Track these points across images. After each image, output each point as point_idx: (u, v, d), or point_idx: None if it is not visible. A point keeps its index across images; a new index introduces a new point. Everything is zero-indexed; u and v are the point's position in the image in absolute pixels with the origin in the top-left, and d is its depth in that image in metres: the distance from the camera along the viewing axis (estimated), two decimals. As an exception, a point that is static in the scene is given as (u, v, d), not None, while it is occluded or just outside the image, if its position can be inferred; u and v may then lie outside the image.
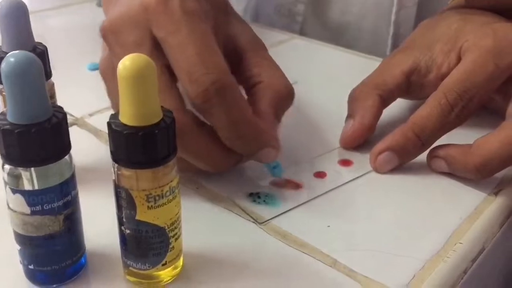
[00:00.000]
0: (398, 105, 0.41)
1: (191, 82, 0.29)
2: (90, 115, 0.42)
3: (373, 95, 0.38)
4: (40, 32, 0.59)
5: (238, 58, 0.34)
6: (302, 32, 0.63)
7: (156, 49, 0.30)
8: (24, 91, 0.22)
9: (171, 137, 0.24)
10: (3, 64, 0.22)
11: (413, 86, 0.39)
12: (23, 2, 0.30)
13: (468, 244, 0.30)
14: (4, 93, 0.31)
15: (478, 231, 0.31)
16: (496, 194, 0.34)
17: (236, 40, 0.34)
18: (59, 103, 0.42)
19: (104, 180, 0.33)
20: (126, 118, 0.23)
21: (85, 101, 0.44)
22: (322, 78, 0.50)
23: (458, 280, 0.29)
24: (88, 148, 0.38)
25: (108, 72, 0.32)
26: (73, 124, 0.41)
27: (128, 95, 0.22)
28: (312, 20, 0.63)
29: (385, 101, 0.39)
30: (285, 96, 0.34)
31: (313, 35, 0.61)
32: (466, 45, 0.37)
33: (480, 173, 0.33)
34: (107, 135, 0.40)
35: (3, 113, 0.23)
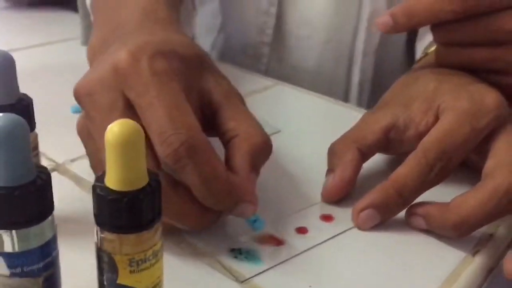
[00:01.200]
0: (377, 159, 0.42)
1: (161, 143, 0.29)
2: (72, 160, 0.42)
3: (353, 149, 0.39)
4: (24, 70, 0.59)
5: (214, 111, 0.34)
6: (267, 73, 0.65)
7: (129, 110, 0.30)
8: (8, 154, 0.22)
9: (156, 201, 0.24)
10: (-11, 127, 0.22)
11: (392, 142, 0.40)
12: (9, 55, 0.30)
13: (447, 308, 0.30)
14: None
15: (457, 294, 0.31)
16: (474, 254, 0.35)
17: (210, 94, 0.34)
18: (39, 148, 0.41)
19: (85, 232, 0.33)
20: (112, 182, 0.23)
21: (67, 145, 0.44)
22: (306, 126, 0.51)
23: None
24: (69, 196, 0.37)
25: (84, 133, 0.33)
26: (53, 170, 0.41)
27: (115, 160, 0.22)
28: (275, 63, 0.65)
29: (364, 156, 0.39)
30: (262, 149, 0.34)
31: (276, 77, 0.63)
32: (443, 106, 0.38)
33: (458, 231, 0.34)
34: (89, 183, 0.40)
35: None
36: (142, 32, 0.36)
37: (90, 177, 0.40)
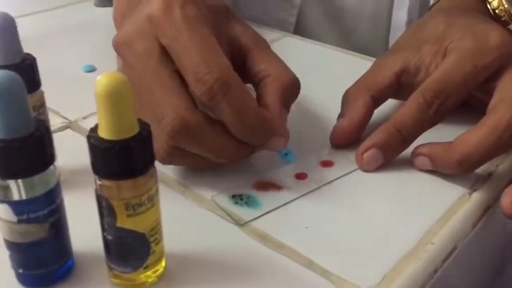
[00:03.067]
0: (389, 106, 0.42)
1: (196, 82, 0.31)
2: (84, 118, 0.44)
3: (365, 96, 0.39)
4: (36, 33, 0.60)
5: (243, 56, 0.36)
6: (298, 19, 0.64)
7: (165, 56, 0.33)
8: (6, 108, 0.24)
9: (148, 149, 0.25)
10: (-13, 84, 0.23)
11: (403, 86, 0.40)
12: (10, 15, 0.31)
13: (440, 244, 0.31)
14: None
15: (451, 231, 0.32)
16: (471, 193, 0.35)
17: (239, 40, 0.36)
18: (53, 106, 0.43)
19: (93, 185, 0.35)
20: (104, 132, 0.24)
21: (80, 103, 0.45)
22: (313, 76, 0.51)
23: (428, 280, 0.30)
24: (80, 151, 0.39)
25: None
26: (66, 127, 0.43)
27: (105, 111, 0.24)
28: (310, 5, 0.64)
29: (376, 102, 0.40)
30: (292, 87, 0.36)
31: (310, 20, 0.62)
32: (450, 47, 0.38)
33: (461, 168, 0.35)
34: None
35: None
36: None
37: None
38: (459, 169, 0.35)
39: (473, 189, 0.36)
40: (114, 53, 0.63)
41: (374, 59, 0.53)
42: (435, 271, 0.30)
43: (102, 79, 0.24)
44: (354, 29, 0.61)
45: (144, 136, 0.25)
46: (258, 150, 0.35)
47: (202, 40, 0.32)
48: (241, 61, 0.36)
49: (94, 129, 0.25)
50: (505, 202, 0.33)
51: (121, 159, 0.24)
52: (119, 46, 0.34)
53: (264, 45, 0.37)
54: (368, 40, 0.62)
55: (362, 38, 0.62)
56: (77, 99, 0.46)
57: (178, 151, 0.33)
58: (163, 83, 0.32)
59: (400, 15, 0.60)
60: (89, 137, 0.25)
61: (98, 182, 0.26)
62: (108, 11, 0.67)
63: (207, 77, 0.31)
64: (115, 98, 0.24)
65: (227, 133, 0.33)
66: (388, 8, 0.61)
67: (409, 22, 0.60)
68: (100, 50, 0.58)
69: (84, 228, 0.30)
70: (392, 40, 0.62)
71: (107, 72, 0.24)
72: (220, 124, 0.33)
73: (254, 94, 0.36)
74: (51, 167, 0.26)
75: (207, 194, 0.35)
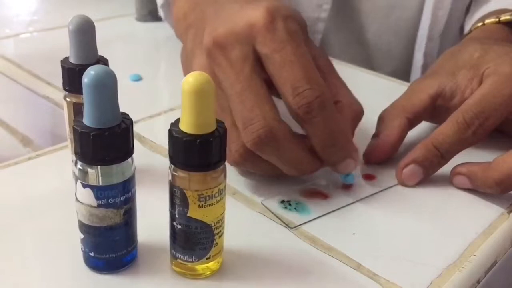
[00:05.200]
0: (422, 128, 0.44)
1: (295, 95, 0.33)
2: (135, 122, 0.46)
3: (401, 117, 0.41)
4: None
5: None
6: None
7: (258, 64, 0.34)
8: (101, 100, 0.26)
9: (223, 145, 0.27)
10: (85, 75, 0.25)
11: (438, 109, 0.42)
12: (90, 19, 0.33)
13: (482, 257, 0.33)
14: (68, 100, 0.35)
15: (492, 246, 0.34)
16: (509, 212, 0.37)
17: (317, 60, 0.37)
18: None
19: (148, 180, 0.37)
20: (186, 126, 0.26)
21: (129, 110, 0.47)
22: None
23: (472, 289, 0.31)
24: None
25: None
26: (119, 130, 0.45)
27: (190, 107, 0.26)
28: (330, 37, 0.66)
29: (411, 123, 0.42)
30: (360, 116, 0.38)
31: (332, 51, 0.65)
32: (487, 72, 0.40)
33: (500, 188, 0.36)
34: (149, 140, 0.44)
35: (78, 118, 0.27)
36: None
37: (150, 136, 0.44)
38: (497, 189, 0.37)
39: (510, 209, 0.37)
40: (158, 65, 0.66)
41: (399, 81, 0.56)
42: (478, 281, 0.32)
43: (189, 78, 0.26)
44: (375, 61, 0.64)
45: (221, 133, 0.27)
46: (324, 166, 0.37)
47: (304, 56, 0.34)
48: None
49: (175, 124, 0.27)
50: None
51: (201, 152, 0.26)
52: (213, 46, 0.35)
53: (336, 72, 0.39)
54: (389, 73, 0.65)
55: (382, 69, 0.65)
56: (127, 106, 0.48)
57: (253, 157, 0.34)
58: (255, 90, 0.33)
59: (418, 57, 0.63)
60: (171, 131, 0.27)
61: (174, 173, 0.27)
62: (149, 25, 0.70)
63: (308, 92, 0.33)
64: (199, 96, 0.26)
65: (304, 147, 0.34)
66: (406, 47, 0.63)
67: (425, 66, 0.63)
68: (144, 61, 0.61)
69: (144, 221, 0.31)
70: (412, 80, 0.65)
71: (194, 72, 0.26)
72: (299, 138, 0.34)
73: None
74: (129, 159, 0.28)
75: (256, 198, 0.37)
